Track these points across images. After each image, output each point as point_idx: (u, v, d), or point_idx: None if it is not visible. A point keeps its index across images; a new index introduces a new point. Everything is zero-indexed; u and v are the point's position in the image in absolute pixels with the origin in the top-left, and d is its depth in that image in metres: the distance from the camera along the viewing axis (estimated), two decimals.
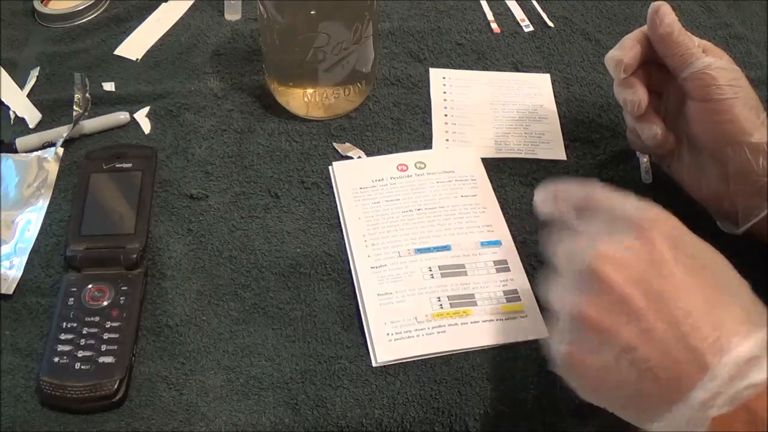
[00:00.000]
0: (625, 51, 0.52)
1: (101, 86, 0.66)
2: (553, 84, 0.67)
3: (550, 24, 0.73)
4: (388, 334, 0.50)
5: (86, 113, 0.61)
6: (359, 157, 0.61)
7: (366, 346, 0.50)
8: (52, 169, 0.59)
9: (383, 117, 0.64)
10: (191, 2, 0.74)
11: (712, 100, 0.49)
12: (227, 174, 0.59)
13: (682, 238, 0.38)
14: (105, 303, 0.50)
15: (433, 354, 0.49)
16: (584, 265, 0.37)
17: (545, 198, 0.43)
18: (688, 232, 0.38)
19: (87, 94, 0.61)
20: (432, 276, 0.53)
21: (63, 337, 0.48)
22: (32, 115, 0.63)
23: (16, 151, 0.60)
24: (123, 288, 0.50)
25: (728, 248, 0.53)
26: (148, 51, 0.69)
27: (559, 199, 0.43)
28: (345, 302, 0.52)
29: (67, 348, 0.47)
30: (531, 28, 0.72)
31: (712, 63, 0.50)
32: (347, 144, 0.62)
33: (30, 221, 0.56)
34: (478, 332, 0.50)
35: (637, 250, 0.37)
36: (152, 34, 0.71)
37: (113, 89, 0.66)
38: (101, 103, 0.64)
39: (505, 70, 0.68)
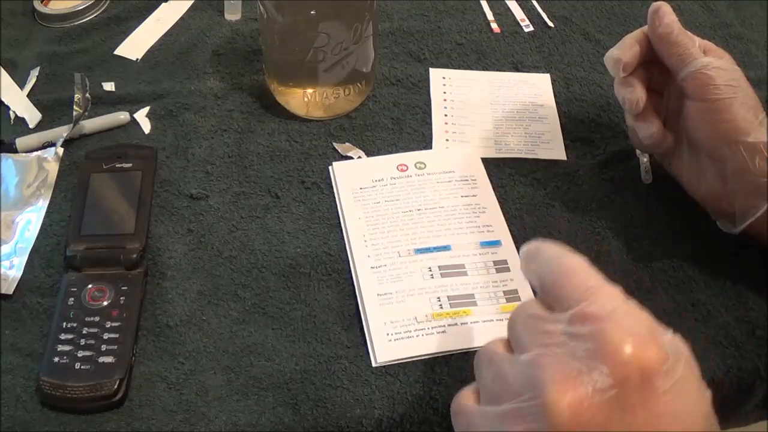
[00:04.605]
0: (625, 50, 0.52)
1: (101, 86, 0.66)
2: (553, 84, 0.67)
3: (550, 24, 0.73)
4: (387, 334, 0.50)
5: (86, 113, 0.61)
6: (359, 157, 0.61)
7: (366, 346, 0.50)
8: (52, 169, 0.59)
9: (383, 117, 0.64)
10: (191, 2, 0.74)
11: (709, 100, 0.49)
12: (227, 174, 0.59)
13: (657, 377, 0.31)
14: (105, 303, 0.50)
15: (433, 354, 0.49)
16: (539, 398, 0.31)
17: (524, 260, 0.38)
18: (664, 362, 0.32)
19: (87, 94, 0.61)
20: (432, 276, 0.53)
21: (63, 337, 0.48)
22: (32, 115, 0.63)
23: (16, 151, 0.60)
24: (123, 288, 0.50)
25: (727, 248, 0.54)
26: (148, 51, 0.69)
27: (529, 266, 0.37)
28: (345, 302, 0.52)
29: (67, 348, 0.47)
30: (531, 28, 0.72)
31: (711, 63, 0.50)
32: (347, 144, 0.62)
33: (30, 221, 0.56)
34: (478, 332, 0.50)
35: (607, 397, 0.31)
36: (152, 34, 0.71)
37: (113, 89, 0.66)
38: (101, 103, 0.64)
39: (505, 70, 0.68)
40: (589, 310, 0.33)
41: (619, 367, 0.31)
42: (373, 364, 0.49)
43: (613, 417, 0.30)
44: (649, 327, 0.33)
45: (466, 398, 0.36)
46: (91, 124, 0.62)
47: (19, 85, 0.66)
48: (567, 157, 0.61)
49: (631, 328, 0.32)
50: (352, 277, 0.53)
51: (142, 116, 0.63)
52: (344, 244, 0.55)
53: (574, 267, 0.35)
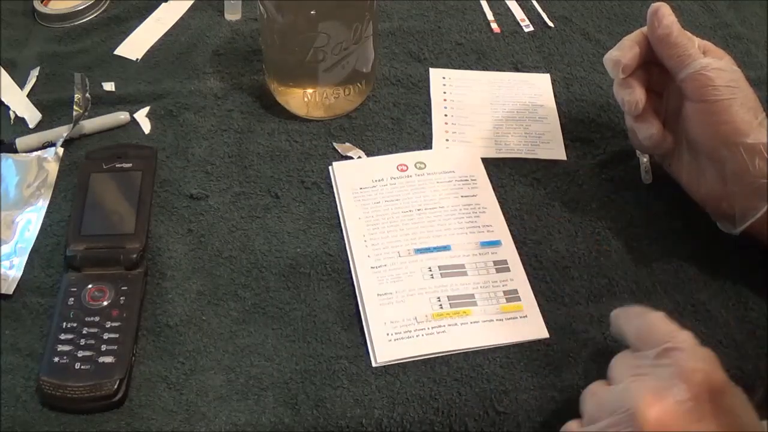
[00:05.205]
0: (624, 52, 0.52)
1: (101, 86, 0.66)
2: (553, 84, 0.67)
3: (550, 24, 0.73)
4: (387, 334, 0.50)
5: (86, 113, 0.61)
6: (359, 157, 0.61)
7: (366, 346, 0.50)
8: (52, 169, 0.59)
9: (383, 117, 0.64)
10: (191, 2, 0.74)
11: (708, 101, 0.49)
12: (227, 174, 0.59)
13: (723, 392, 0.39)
14: (105, 303, 0.50)
15: (433, 354, 0.49)
16: (629, 411, 0.38)
17: (614, 322, 0.46)
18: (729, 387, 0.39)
19: (87, 94, 0.61)
20: (432, 276, 0.53)
21: (63, 337, 0.48)
22: (32, 115, 0.63)
23: (16, 151, 0.60)
24: (123, 288, 0.50)
25: (727, 248, 0.54)
26: (148, 51, 0.69)
27: (619, 324, 0.45)
28: (345, 302, 0.52)
29: (67, 348, 0.47)
30: (531, 28, 0.72)
31: (710, 64, 0.50)
32: (347, 144, 0.62)
33: (30, 221, 0.56)
34: (478, 332, 0.50)
35: (685, 407, 0.38)
36: (152, 34, 0.71)
37: (113, 89, 0.66)
38: (101, 103, 0.64)
39: (505, 70, 0.68)
40: (670, 346, 0.40)
41: (694, 385, 0.38)
42: (373, 364, 0.49)
43: (690, 424, 0.37)
44: (716, 360, 0.40)
45: (570, 426, 0.42)
46: (91, 124, 0.62)
47: (19, 85, 0.66)
48: (567, 157, 0.61)
49: (703, 358, 0.40)
50: (352, 277, 0.53)
51: (142, 116, 0.63)
52: (344, 244, 0.55)
53: (656, 318, 0.43)
